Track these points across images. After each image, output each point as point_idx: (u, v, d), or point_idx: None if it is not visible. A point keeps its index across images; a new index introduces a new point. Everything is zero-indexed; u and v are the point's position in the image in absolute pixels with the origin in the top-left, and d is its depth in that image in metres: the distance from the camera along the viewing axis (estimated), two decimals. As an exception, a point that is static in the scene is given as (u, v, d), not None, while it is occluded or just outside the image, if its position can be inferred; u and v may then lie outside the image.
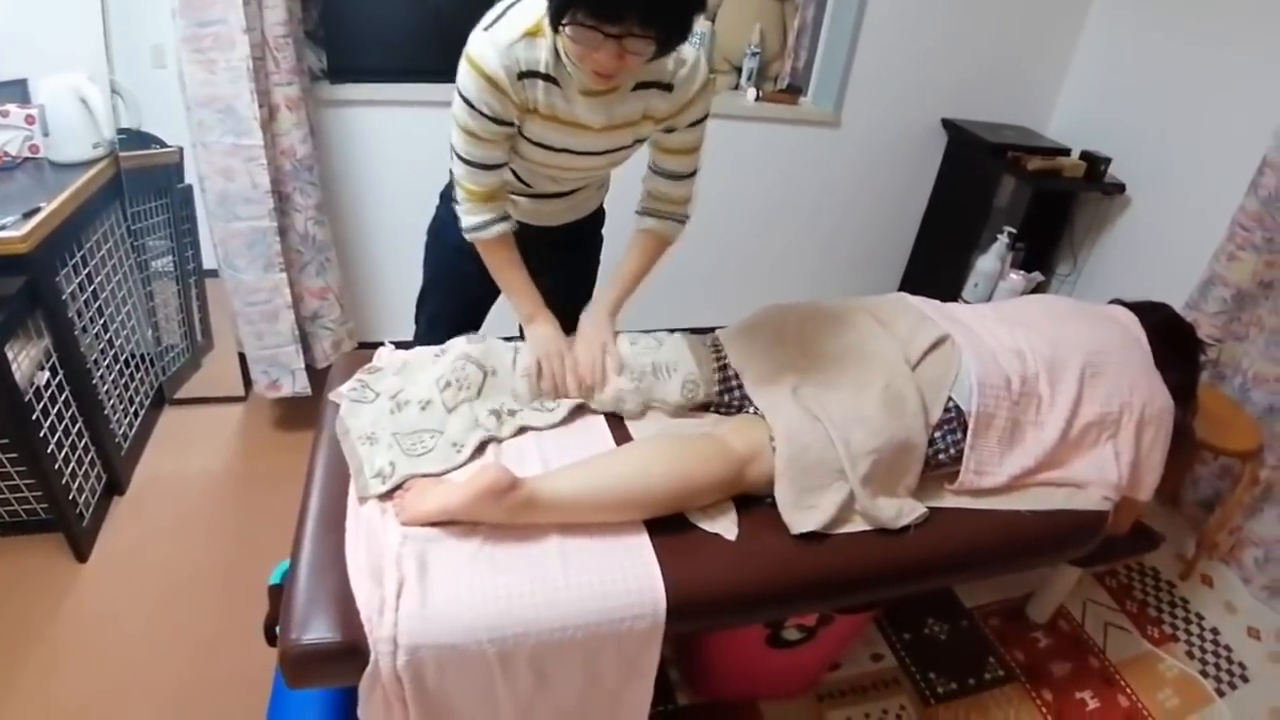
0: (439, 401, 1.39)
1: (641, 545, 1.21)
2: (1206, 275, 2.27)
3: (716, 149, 2.63)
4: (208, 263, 2.30)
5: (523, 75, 1.21)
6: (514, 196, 1.51)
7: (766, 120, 2.71)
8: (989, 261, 2.68)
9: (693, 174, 1.45)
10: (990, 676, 1.87)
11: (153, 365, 2.36)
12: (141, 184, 2.14)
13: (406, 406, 1.39)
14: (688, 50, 1.25)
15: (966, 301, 2.71)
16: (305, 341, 2.30)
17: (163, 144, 2.15)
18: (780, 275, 3.08)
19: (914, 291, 1.73)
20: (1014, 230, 2.68)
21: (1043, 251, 2.91)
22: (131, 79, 2.04)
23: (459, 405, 1.40)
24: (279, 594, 1.17)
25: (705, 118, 1.36)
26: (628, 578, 1.15)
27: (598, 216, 1.71)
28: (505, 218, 1.40)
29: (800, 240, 3.04)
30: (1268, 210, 2.10)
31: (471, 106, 1.22)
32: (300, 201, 2.12)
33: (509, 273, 1.46)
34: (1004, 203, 2.83)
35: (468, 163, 1.31)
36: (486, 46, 1.18)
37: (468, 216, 1.38)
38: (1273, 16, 2.18)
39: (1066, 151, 2.72)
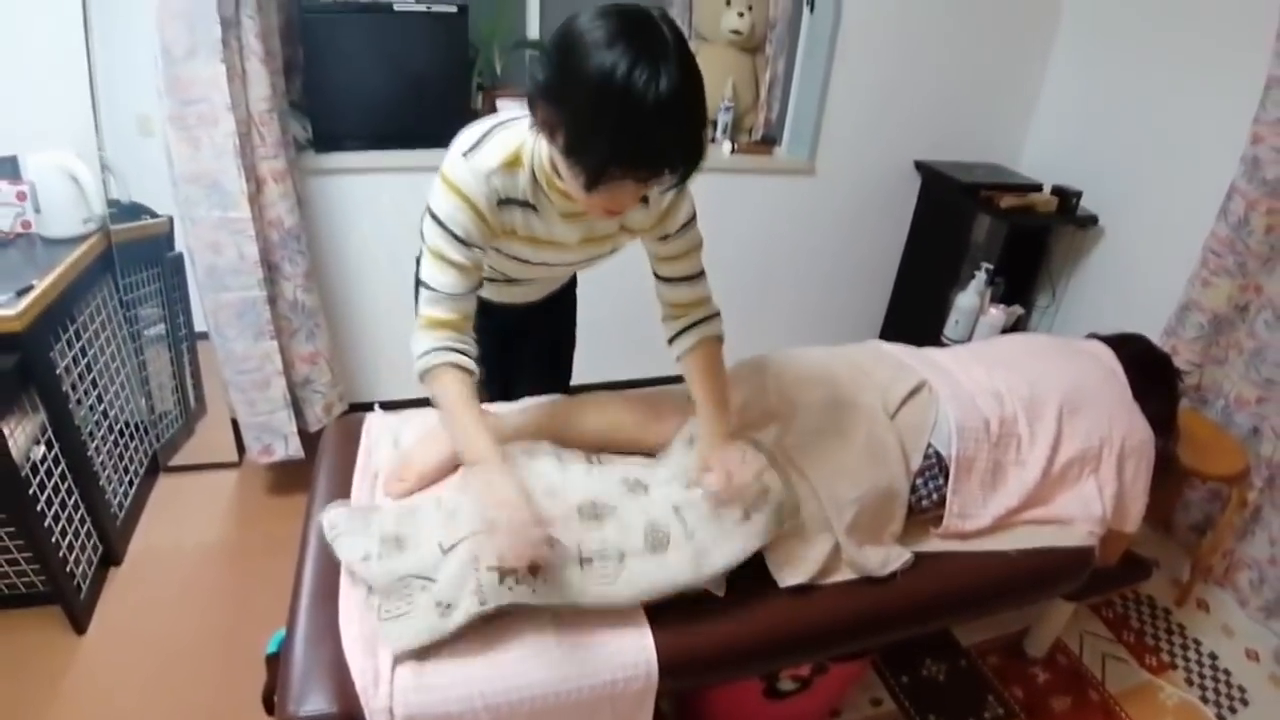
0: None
1: (633, 609, 1.22)
2: (1183, 301, 2.31)
3: (695, 202, 2.70)
4: (200, 324, 2.31)
5: (502, 202, 1.19)
6: (493, 281, 1.47)
7: (743, 172, 2.76)
8: (969, 298, 2.72)
9: (702, 273, 1.40)
10: (990, 715, 1.87)
11: (147, 433, 2.37)
12: (133, 255, 2.16)
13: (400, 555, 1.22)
14: None
15: (948, 339, 2.75)
16: (297, 406, 2.31)
17: (152, 214, 2.18)
18: (763, 323, 3.10)
19: (897, 330, 1.76)
20: (991, 266, 2.72)
21: (1022, 285, 2.94)
22: (119, 146, 2.07)
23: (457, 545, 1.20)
24: (276, 663, 1.18)
25: (693, 219, 1.33)
26: (619, 639, 1.17)
27: (573, 278, 1.74)
28: (459, 350, 1.20)
29: (781, 287, 3.07)
30: (1238, 235, 2.14)
31: (443, 227, 1.17)
32: (289, 270, 2.16)
33: (462, 412, 1.18)
34: (980, 239, 2.88)
35: (432, 289, 1.20)
36: (465, 172, 1.15)
37: (415, 343, 1.21)
38: (1234, 47, 2.23)
39: (1038, 187, 2.77)
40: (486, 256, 1.27)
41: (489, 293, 1.52)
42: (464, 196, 1.15)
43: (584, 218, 1.24)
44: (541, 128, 1.04)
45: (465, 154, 1.17)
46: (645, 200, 1.24)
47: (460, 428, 1.18)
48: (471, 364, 1.21)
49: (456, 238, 1.17)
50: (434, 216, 1.17)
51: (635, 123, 0.95)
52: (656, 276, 1.39)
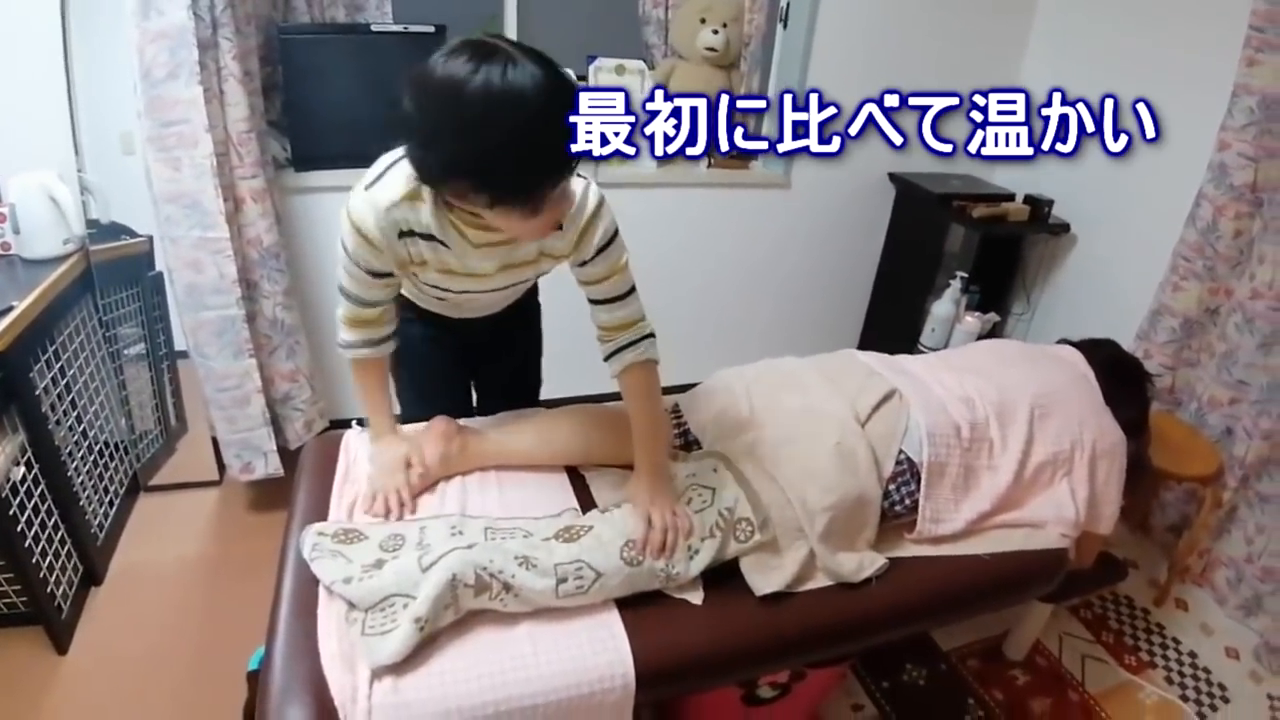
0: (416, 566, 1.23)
1: (609, 618, 1.24)
2: (1154, 306, 2.35)
3: (670, 217, 2.73)
4: (180, 344, 2.31)
5: (404, 234, 1.20)
6: (442, 300, 1.47)
7: (718, 186, 2.80)
8: (944, 306, 2.74)
9: (629, 292, 1.35)
10: (971, 718, 1.88)
11: (127, 453, 2.37)
12: (112, 275, 2.17)
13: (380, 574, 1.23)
14: (574, 184, 1.20)
15: (925, 347, 2.78)
16: (277, 424, 2.32)
17: (132, 233, 2.19)
18: (741, 335, 3.13)
19: (874, 339, 1.78)
20: (966, 275, 2.74)
21: (997, 292, 2.98)
22: (101, 165, 2.08)
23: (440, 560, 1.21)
24: (257, 680, 1.19)
25: (612, 240, 1.27)
26: (596, 651, 1.18)
27: (533, 289, 1.72)
28: (378, 342, 1.40)
29: (759, 299, 3.10)
30: (1206, 240, 2.18)
31: (349, 257, 1.23)
32: (268, 288, 2.17)
33: (369, 394, 1.48)
34: (955, 249, 2.90)
35: (348, 296, 1.32)
36: (365, 208, 1.16)
37: (341, 332, 1.39)
38: (1202, 55, 2.27)
39: (1011, 196, 2.80)
40: (399, 277, 1.31)
41: (443, 309, 1.53)
42: (362, 233, 1.18)
43: (500, 246, 1.24)
44: (452, 193, 1.06)
45: (367, 187, 1.17)
46: (560, 226, 1.22)
47: (369, 406, 1.49)
48: (387, 348, 1.43)
49: (360, 268, 1.24)
50: (342, 244, 1.22)
51: (523, 121, 0.95)
52: (589, 302, 1.37)
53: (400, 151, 1.17)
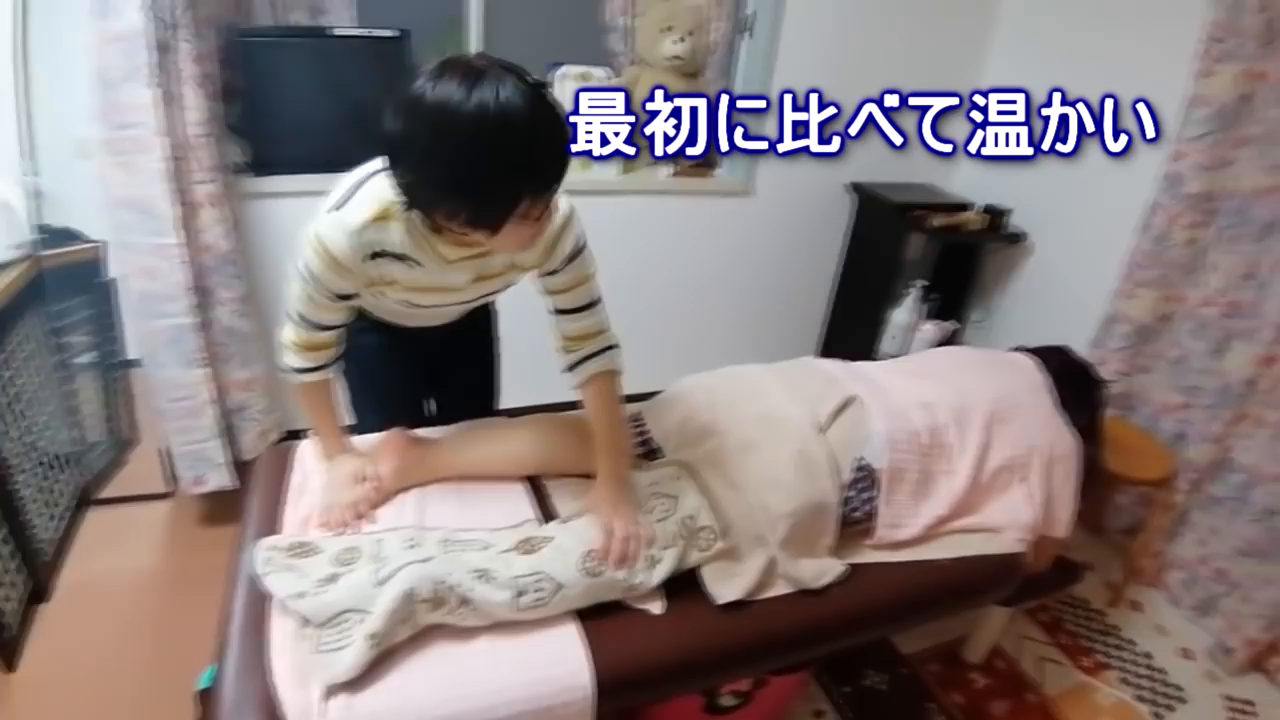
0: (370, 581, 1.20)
1: (569, 629, 1.23)
2: (1109, 313, 2.39)
3: (632, 224, 2.73)
4: (132, 352, 2.25)
5: (375, 255, 1.18)
6: (405, 311, 1.45)
7: (681, 194, 2.80)
8: (903, 314, 2.77)
9: (594, 303, 1.36)
10: (932, 722, 1.90)
11: (76, 465, 2.30)
12: (63, 281, 2.11)
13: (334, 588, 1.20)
14: None
15: (885, 354, 2.81)
16: (231, 434, 2.27)
17: (84, 239, 2.13)
18: (702, 342, 3.14)
19: (834, 347, 1.80)
20: (926, 283, 2.77)
21: (955, 300, 3.00)
22: (55, 170, 2.03)
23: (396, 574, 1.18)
24: (208, 698, 1.16)
25: (580, 251, 1.29)
26: (556, 662, 1.17)
27: None
28: (328, 364, 1.38)
29: (721, 306, 3.11)
30: (1160, 248, 2.22)
31: (314, 278, 1.20)
32: (223, 295, 2.12)
33: (319, 416, 1.44)
34: (914, 257, 2.94)
35: (304, 319, 1.29)
36: (334, 229, 1.14)
37: (289, 357, 1.35)
38: (1155, 67, 2.28)
39: (967, 206, 2.84)
40: (361, 299, 1.30)
41: (398, 319, 1.51)
42: (331, 257, 1.15)
43: (474, 259, 1.24)
44: (443, 215, 1.05)
45: (333, 209, 1.15)
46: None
47: (318, 429, 1.47)
48: (336, 369, 1.41)
49: (326, 289, 1.21)
50: (305, 267, 1.19)
51: (518, 142, 0.96)
52: (550, 313, 1.37)
53: (364, 171, 1.17)
